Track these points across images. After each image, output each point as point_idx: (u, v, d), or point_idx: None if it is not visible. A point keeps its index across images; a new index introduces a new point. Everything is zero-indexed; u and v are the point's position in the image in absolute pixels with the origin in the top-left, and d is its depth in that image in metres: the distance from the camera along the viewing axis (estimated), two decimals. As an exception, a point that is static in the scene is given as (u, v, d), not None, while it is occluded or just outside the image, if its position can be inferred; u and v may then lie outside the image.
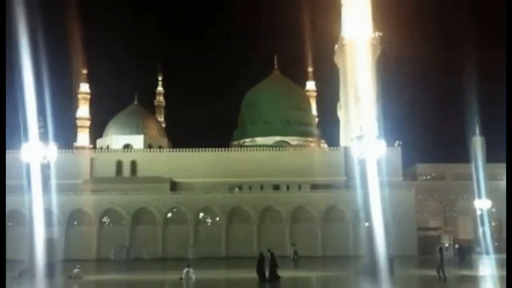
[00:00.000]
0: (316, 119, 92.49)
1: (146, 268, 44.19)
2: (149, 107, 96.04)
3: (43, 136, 33.88)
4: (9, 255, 40.78)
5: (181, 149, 68.59)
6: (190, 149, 67.91)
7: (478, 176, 61.01)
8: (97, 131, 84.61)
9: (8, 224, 54.84)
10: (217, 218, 60.33)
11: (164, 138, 78.17)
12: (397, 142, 65.15)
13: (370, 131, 35.78)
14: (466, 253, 47.47)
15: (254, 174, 64.28)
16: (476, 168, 61.61)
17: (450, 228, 64.14)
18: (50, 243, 34.31)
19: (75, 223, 59.56)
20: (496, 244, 58.90)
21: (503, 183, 63.54)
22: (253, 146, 72.93)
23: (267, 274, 28.84)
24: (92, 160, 67.05)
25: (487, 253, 56.51)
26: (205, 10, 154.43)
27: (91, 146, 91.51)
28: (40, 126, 33.81)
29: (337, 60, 74.90)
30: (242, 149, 71.96)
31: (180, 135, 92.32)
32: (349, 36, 71.51)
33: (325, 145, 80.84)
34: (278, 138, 77.60)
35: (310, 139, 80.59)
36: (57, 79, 52.49)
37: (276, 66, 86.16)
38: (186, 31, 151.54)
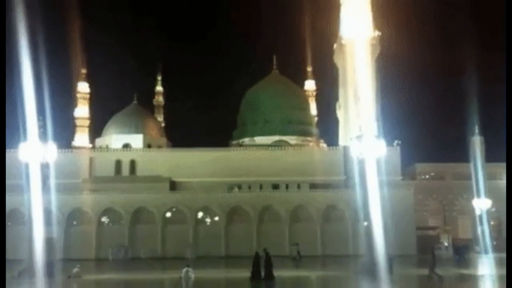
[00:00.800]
0: (315, 119, 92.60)
1: (145, 267, 44.19)
2: (148, 107, 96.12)
3: (42, 135, 33.85)
4: (8, 255, 40.82)
5: (180, 149, 68.64)
6: (190, 149, 67.97)
7: (477, 176, 61.13)
8: (96, 131, 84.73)
9: (8, 223, 54.82)
10: (217, 218, 60.36)
11: (163, 137, 78.21)
12: (396, 141, 65.25)
13: (369, 131, 35.75)
14: (463, 252, 47.59)
15: (253, 174, 64.34)
16: (475, 167, 61.72)
17: (449, 228, 64.26)
18: (49, 243, 34.33)
19: (75, 222, 59.57)
20: (495, 243, 59.01)
21: (502, 182, 63.64)
22: (252, 145, 73.01)
23: (262, 273, 28.83)
24: (91, 159, 67.06)
25: (486, 252, 56.61)
26: (205, 10, 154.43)
27: (90, 145, 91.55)
28: (39, 125, 33.78)
29: (336, 59, 74.94)
30: (241, 148, 72.01)
31: (180, 134, 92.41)
32: (348, 35, 71.55)
33: (324, 145, 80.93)
34: (277, 137, 77.68)
35: (309, 138, 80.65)
36: (56, 79, 52.50)
37: (275, 66, 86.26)
38: (185, 31, 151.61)
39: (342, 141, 71.93)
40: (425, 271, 32.75)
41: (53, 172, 34.95)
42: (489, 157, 64.01)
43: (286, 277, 32.38)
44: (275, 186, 63.80)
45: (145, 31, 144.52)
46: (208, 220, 61.10)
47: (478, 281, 31.93)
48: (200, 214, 60.84)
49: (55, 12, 76.88)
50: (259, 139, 77.59)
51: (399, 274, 32.03)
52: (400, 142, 65.74)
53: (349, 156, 47.87)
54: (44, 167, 33.56)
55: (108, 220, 60.37)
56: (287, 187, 63.67)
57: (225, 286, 31.26)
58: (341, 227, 58.66)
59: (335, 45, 75.31)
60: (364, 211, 33.96)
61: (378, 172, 32.86)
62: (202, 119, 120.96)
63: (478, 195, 60.59)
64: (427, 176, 72.09)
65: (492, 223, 61.92)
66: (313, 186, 62.96)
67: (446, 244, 58.66)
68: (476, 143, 63.62)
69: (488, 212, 60.93)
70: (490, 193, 60.95)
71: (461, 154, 65.78)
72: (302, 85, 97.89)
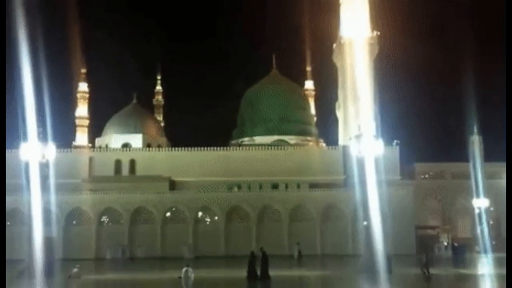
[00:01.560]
0: (315, 118, 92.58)
1: (145, 267, 44.25)
2: (148, 106, 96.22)
3: (42, 135, 33.89)
4: (8, 254, 40.76)
5: (180, 148, 68.70)
6: (189, 148, 68.03)
7: (476, 175, 61.17)
8: (96, 130, 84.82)
9: (7, 223, 54.84)
10: (216, 217, 60.39)
11: (163, 137, 78.28)
12: (395, 141, 65.33)
13: (369, 130, 35.87)
14: (460, 252, 47.72)
15: (253, 173, 64.40)
16: (474, 167, 61.76)
17: (448, 227, 64.30)
18: (49, 242, 34.33)
19: (74, 222, 59.58)
20: (494, 242, 59.08)
21: (501, 181, 63.69)
22: (252, 145, 73.03)
23: (258, 273, 28.83)
24: (91, 159, 67.11)
25: (485, 251, 56.68)
26: (205, 9, 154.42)
27: (89, 145, 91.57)
28: (39, 125, 33.83)
29: (336, 59, 75.01)
30: (241, 148, 72.05)
31: (179, 134, 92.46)
32: (347, 35, 71.62)
33: (324, 144, 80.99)
34: (277, 137, 77.72)
35: (308, 138, 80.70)
36: (56, 78, 52.49)
37: (275, 66, 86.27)
38: (185, 31, 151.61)
39: (341, 140, 72.01)
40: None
41: (53, 171, 34.98)
42: (488, 156, 64.11)
43: (283, 277, 32.43)
44: (275, 186, 63.83)
45: (145, 31, 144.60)
46: (207, 219, 61.14)
47: (471, 281, 32.00)
48: (199, 214, 60.87)
49: (54, 12, 76.90)
50: (258, 139, 77.64)
51: (398, 273, 32.10)
52: (399, 142, 65.86)
53: (348, 155, 48.03)
54: (44, 166, 33.61)
55: (107, 219, 60.39)
56: (286, 186, 63.71)
57: (222, 286, 31.28)
58: (341, 227, 58.72)
59: (334, 45, 75.38)
60: (363, 210, 34.02)
61: (377, 172, 32.94)
62: (201, 119, 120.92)
63: (477, 195, 60.65)
64: (426, 176, 72.11)
65: (491, 222, 61.95)
66: (313, 185, 62.99)
67: (445, 243, 58.70)
68: (475, 142, 63.67)
69: (487, 211, 60.96)
70: (488, 193, 61.00)
71: (460, 153, 65.91)
72: (301, 84, 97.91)
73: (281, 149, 69.90)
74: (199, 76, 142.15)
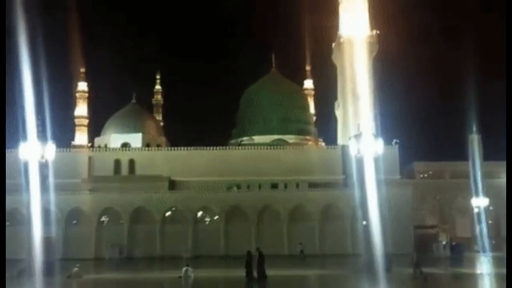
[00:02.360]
0: (314, 118, 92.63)
1: (144, 267, 44.26)
2: (147, 106, 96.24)
3: (41, 135, 33.83)
4: (7, 254, 40.72)
5: (179, 148, 68.70)
6: (189, 148, 68.04)
7: (475, 174, 61.19)
8: (95, 130, 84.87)
9: (7, 223, 54.79)
10: (216, 217, 60.42)
11: (162, 136, 78.28)
12: (394, 140, 65.38)
13: (368, 130, 35.82)
14: (458, 251, 47.80)
15: (252, 173, 64.43)
16: (473, 166, 61.79)
17: (447, 226, 64.34)
18: (48, 242, 34.33)
19: (74, 222, 59.60)
20: (493, 242, 59.13)
21: (500, 181, 63.76)
22: (251, 144, 73.04)
23: (255, 273, 28.89)
24: (90, 159, 67.10)
25: (484, 251, 56.73)
26: (204, 9, 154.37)
27: (89, 145, 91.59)
28: (38, 125, 33.78)
29: (335, 58, 75.04)
30: (240, 148, 72.07)
31: (179, 133, 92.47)
32: (346, 34, 71.66)
33: (323, 144, 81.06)
34: (276, 136, 77.76)
35: (308, 137, 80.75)
36: (55, 78, 52.50)
37: (274, 65, 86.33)
38: (184, 30, 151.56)
39: (340, 140, 72.05)
40: (425, 270, 32.91)
41: (52, 171, 34.89)
42: (487, 155, 64.16)
43: (282, 276, 32.48)
44: (274, 186, 63.89)
45: (144, 30, 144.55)
46: (207, 219, 61.16)
47: (467, 280, 32.06)
48: (199, 214, 60.89)
49: (53, 11, 76.87)
50: (258, 138, 77.67)
51: (397, 272, 32.13)
52: (398, 141, 65.92)
53: (347, 155, 48.00)
54: (43, 166, 33.55)
55: (107, 219, 60.40)
56: (286, 186, 63.77)
57: (221, 285, 31.30)
58: (340, 226, 58.75)
59: (333, 44, 75.41)
60: (362, 210, 34.03)
61: (377, 171, 32.95)
62: (201, 118, 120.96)
63: (476, 194, 60.68)
64: (425, 175, 72.20)
65: (489, 222, 61.98)
66: (312, 185, 63.03)
67: (444, 243, 58.73)
68: (474, 141, 63.71)
69: (486, 210, 60.98)
70: (487, 192, 61.03)
71: (459, 152, 66.01)
72: (301, 84, 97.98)
73: (280, 148, 69.95)
74: (199, 76, 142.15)
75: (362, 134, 33.79)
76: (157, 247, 58.18)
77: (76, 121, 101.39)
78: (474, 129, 63.97)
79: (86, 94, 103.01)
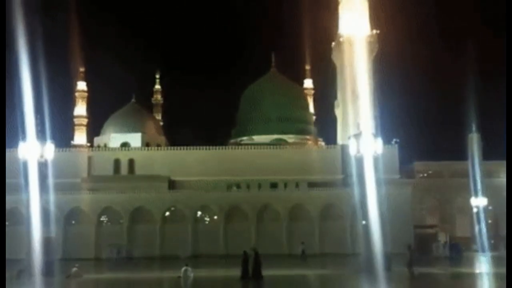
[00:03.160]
0: (314, 117, 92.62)
1: (143, 267, 44.25)
2: (147, 106, 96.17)
3: (41, 134, 33.80)
4: (7, 254, 40.74)
5: (179, 148, 68.68)
6: (188, 147, 68.02)
7: (474, 174, 61.21)
8: (94, 130, 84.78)
9: (6, 223, 54.76)
10: (215, 217, 60.44)
11: (162, 136, 78.23)
12: (394, 140, 65.41)
13: (368, 129, 35.81)
14: (456, 251, 47.82)
15: (252, 172, 64.43)
16: (473, 165, 61.80)
17: (447, 226, 64.33)
18: (48, 242, 34.30)
19: (73, 222, 59.59)
20: (492, 241, 59.16)
21: (499, 180, 63.79)
22: (250, 144, 73.02)
23: (250, 272, 28.95)
24: (89, 158, 67.08)
25: (483, 250, 56.75)
26: (204, 8, 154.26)
27: (88, 144, 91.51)
28: (37, 124, 33.75)
29: (335, 58, 75.01)
30: (240, 147, 72.07)
31: (178, 133, 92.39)
32: (346, 33, 71.62)
33: (323, 143, 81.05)
34: (276, 136, 77.76)
35: (307, 137, 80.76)
36: (54, 77, 52.48)
37: (274, 64, 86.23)
38: (183, 29, 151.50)
39: (340, 139, 72.05)
40: (421, 269, 32.91)
41: (52, 171, 34.87)
42: (486, 155, 64.17)
43: (278, 276, 32.50)
44: (274, 185, 63.89)
45: (144, 30, 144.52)
46: (207, 219, 61.18)
47: (463, 280, 32.08)
48: (199, 213, 60.90)
49: (53, 10, 76.82)
50: (257, 138, 77.66)
51: (397, 272, 32.13)
52: (398, 141, 65.96)
53: (347, 154, 47.97)
54: (43, 166, 33.53)
55: (107, 219, 60.39)
56: (285, 185, 63.77)
57: (220, 285, 31.27)
58: (339, 226, 58.78)
59: (333, 44, 75.37)
60: (362, 209, 34.02)
61: (376, 171, 32.94)
62: (200, 118, 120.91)
63: (476, 194, 60.71)
64: (425, 175, 72.17)
65: (489, 221, 62.00)
66: (312, 184, 63.04)
67: (443, 242, 58.70)
68: (474, 141, 63.73)
69: (485, 210, 61.00)
70: (487, 191, 61.05)
71: (459, 152, 65.98)
72: (300, 83, 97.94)
73: (280, 148, 69.96)
74: (198, 75, 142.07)
75: (361, 134, 33.77)
76: (157, 246, 58.17)
77: (76, 120, 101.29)
78: (474, 128, 63.99)
79: (86, 94, 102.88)
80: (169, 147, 71.32)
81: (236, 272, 30.22)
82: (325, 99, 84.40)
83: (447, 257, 48.91)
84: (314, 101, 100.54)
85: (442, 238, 59.50)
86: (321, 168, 64.49)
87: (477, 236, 59.31)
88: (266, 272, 29.89)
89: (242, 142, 77.24)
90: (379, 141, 33.67)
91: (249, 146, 70.68)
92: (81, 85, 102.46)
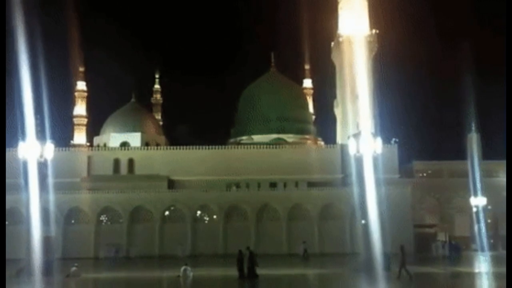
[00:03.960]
0: (313, 117, 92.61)
1: (143, 266, 44.28)
2: (146, 105, 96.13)
3: (40, 134, 33.82)
4: (7, 254, 40.77)
5: (178, 147, 68.71)
6: (188, 147, 68.04)
7: (474, 173, 61.25)
8: (94, 129, 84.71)
9: (6, 222, 54.80)
10: (215, 216, 60.48)
11: (161, 136, 78.19)
12: (393, 139, 65.42)
13: (367, 129, 35.83)
14: (454, 250, 47.90)
15: (251, 172, 64.45)
16: (472, 165, 61.84)
17: (446, 225, 64.37)
18: (47, 242, 34.34)
19: (73, 221, 59.63)
20: (491, 241, 59.22)
21: (498, 180, 63.82)
22: (250, 144, 73.02)
23: (245, 272, 29.07)
24: (89, 158, 67.09)
25: (482, 250, 56.81)
26: (203, 7, 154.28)
27: (88, 144, 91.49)
28: (37, 124, 33.77)
29: (334, 57, 75.02)
30: (239, 147, 72.08)
31: (178, 133, 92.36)
32: (346, 33, 71.62)
33: (322, 143, 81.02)
34: (275, 135, 77.74)
35: (307, 136, 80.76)
36: (54, 77, 52.50)
37: (273, 64, 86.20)
38: (183, 29, 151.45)
39: (339, 139, 72.06)
40: (421, 269, 33.00)
41: (51, 171, 34.91)
42: (486, 154, 64.24)
43: (276, 275, 32.51)
44: (273, 185, 63.89)
45: (143, 29, 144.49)
46: (206, 218, 61.23)
47: (462, 279, 32.12)
48: (198, 213, 60.94)
49: (53, 11, 76.81)
50: (257, 137, 77.64)
51: (396, 271, 32.13)
52: (397, 140, 65.95)
53: (346, 154, 48.06)
54: (42, 166, 33.54)
55: (106, 218, 60.43)
56: (285, 185, 63.78)
57: (217, 284, 31.31)
58: (339, 225, 58.83)
59: (332, 43, 75.37)
60: (361, 209, 34.06)
61: (376, 170, 32.94)
62: (200, 117, 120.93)
63: (475, 193, 60.76)
64: (424, 174, 72.14)
65: (488, 221, 62.05)
66: (311, 184, 63.06)
67: (442, 241, 58.78)
68: (473, 140, 63.78)
69: (485, 209, 61.05)
70: (486, 191, 61.10)
71: (458, 151, 66.06)
72: (300, 83, 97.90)
73: (279, 147, 69.96)
74: (198, 75, 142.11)
75: (361, 133, 33.78)
76: (156, 246, 58.22)
77: (75, 120, 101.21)
78: (473, 128, 64.04)
79: (85, 93, 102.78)
80: (168, 147, 71.32)
81: (234, 271, 30.28)
82: (325, 98, 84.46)
83: (446, 256, 48.91)
84: (314, 100, 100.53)
85: (442, 237, 59.61)
86: (320, 168, 64.51)
87: (477, 236, 59.36)
88: (264, 271, 29.93)
89: (242, 142, 77.24)
90: (379, 141, 33.69)
91: (249, 146, 70.70)
92: (81, 85, 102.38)
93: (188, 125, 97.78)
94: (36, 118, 33.64)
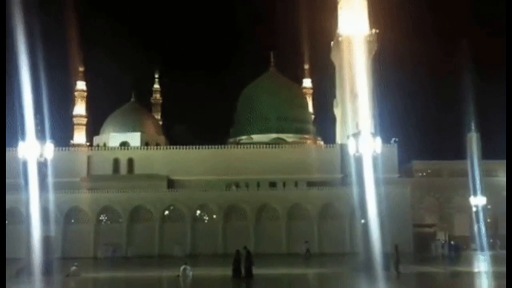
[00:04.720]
0: (313, 116, 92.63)
1: (142, 265, 44.29)
2: (146, 105, 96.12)
3: (40, 134, 33.83)
4: (6, 253, 40.79)
5: (178, 147, 68.73)
6: (187, 147, 68.07)
7: (473, 173, 61.28)
8: (94, 129, 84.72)
9: (6, 222, 54.80)
10: (214, 216, 60.51)
11: (161, 135, 78.21)
12: (393, 139, 65.46)
13: (366, 128, 35.87)
14: (453, 250, 47.97)
15: (251, 172, 64.48)
16: (472, 164, 61.87)
17: (446, 225, 64.43)
18: (47, 241, 34.33)
19: (73, 221, 59.66)
20: (491, 240, 59.25)
21: (498, 179, 63.86)
22: (249, 143, 73.05)
23: (243, 271, 29.12)
24: (89, 158, 67.12)
25: (482, 249, 56.85)
26: (202, 7, 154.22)
27: (87, 144, 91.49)
28: (37, 124, 33.78)
29: (334, 57, 75.05)
30: (239, 146, 72.11)
31: (177, 132, 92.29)
32: (345, 33, 71.66)
33: (321, 142, 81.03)
34: (274, 135, 77.78)
35: (306, 136, 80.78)
36: (53, 77, 52.49)
37: (272, 63, 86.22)
38: (182, 29, 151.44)
39: (339, 138, 72.12)
40: (420, 268, 33.05)
41: (51, 170, 34.92)
42: (485, 154, 64.24)
43: (274, 275, 32.51)
44: (273, 184, 63.93)
45: (143, 29, 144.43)
46: (205, 218, 61.25)
47: (462, 279, 32.16)
48: (197, 212, 60.97)
49: (52, 9, 76.77)
50: (256, 137, 77.66)
51: (396, 271, 32.19)
52: (397, 140, 65.99)
53: (346, 153, 48.11)
54: (42, 165, 33.55)
55: (106, 218, 60.46)
56: (284, 185, 63.81)
57: (216, 284, 31.35)
58: (338, 225, 58.87)
59: (332, 43, 75.41)
60: (361, 208, 34.08)
61: (375, 170, 32.97)
62: (199, 117, 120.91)
63: (474, 193, 60.79)
64: (424, 174, 72.24)
65: (488, 220, 62.09)
66: (310, 184, 63.10)
67: (442, 241, 58.86)
68: (473, 140, 63.80)
69: (484, 209, 61.08)
70: (486, 190, 61.12)
71: (458, 151, 66.09)
72: (299, 82, 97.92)
73: (279, 147, 69.98)
74: (197, 75, 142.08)
75: (360, 133, 33.81)
76: (156, 245, 58.25)
77: (75, 120, 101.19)
78: (473, 127, 64.04)
79: (85, 93, 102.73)
80: (168, 147, 71.34)
81: (230, 271, 30.35)
82: (324, 98, 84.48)
83: (446, 256, 48.96)
84: (313, 100, 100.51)
85: (441, 237, 59.69)
86: (320, 167, 64.54)
87: (476, 235, 59.38)
88: (263, 271, 29.96)
89: (241, 142, 77.27)
90: (378, 140, 33.72)
91: (248, 146, 70.73)
92: (81, 85, 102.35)
93: (187, 124, 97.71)
94: (36, 118, 33.64)
